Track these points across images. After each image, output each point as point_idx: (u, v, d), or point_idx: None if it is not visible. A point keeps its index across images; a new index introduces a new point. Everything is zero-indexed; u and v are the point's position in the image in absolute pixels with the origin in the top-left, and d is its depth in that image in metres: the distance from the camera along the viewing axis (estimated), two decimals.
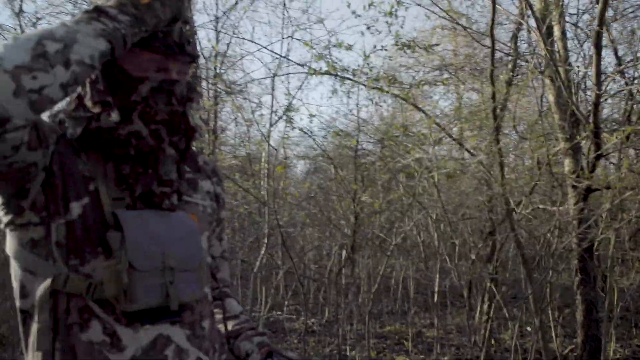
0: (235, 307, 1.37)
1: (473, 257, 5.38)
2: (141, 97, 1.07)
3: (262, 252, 5.40)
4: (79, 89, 1.09)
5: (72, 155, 1.06)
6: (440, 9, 5.32)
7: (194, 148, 1.30)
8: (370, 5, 3.44)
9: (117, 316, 1.02)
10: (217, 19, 7.34)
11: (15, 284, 1.07)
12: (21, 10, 9.03)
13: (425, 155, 3.65)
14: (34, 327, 1.03)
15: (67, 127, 1.08)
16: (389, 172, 4.47)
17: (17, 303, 1.08)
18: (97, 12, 0.98)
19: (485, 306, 5.48)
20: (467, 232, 5.48)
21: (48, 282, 1.01)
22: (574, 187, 4.38)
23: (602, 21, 3.21)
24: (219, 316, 1.31)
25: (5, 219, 1.06)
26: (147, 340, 1.04)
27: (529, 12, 4.08)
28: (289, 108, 4.23)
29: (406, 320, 6.83)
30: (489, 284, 5.42)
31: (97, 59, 0.95)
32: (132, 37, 1.01)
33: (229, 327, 1.31)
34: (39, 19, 8.47)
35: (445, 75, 7.79)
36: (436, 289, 5.06)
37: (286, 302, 7.21)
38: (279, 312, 7.58)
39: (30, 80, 0.85)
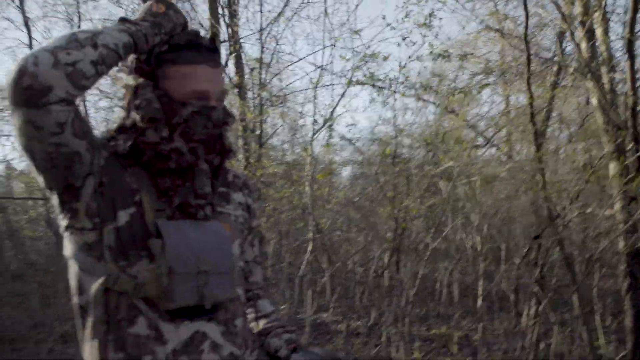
0: (267, 307, 1.49)
1: (518, 261, 5.34)
2: (183, 119, 1.22)
3: (307, 256, 5.55)
4: (122, 113, 1.27)
5: (120, 169, 1.22)
6: (475, 16, 5.29)
7: (226, 165, 1.44)
8: (405, 17, 3.55)
9: (161, 313, 1.16)
10: (261, 30, 7.55)
11: (73, 283, 1.24)
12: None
13: (457, 162, 3.68)
14: (90, 321, 1.19)
15: (118, 141, 1.24)
16: (427, 177, 4.51)
17: (75, 299, 1.24)
18: (121, 20, 1.19)
19: (533, 311, 5.42)
20: (512, 236, 5.44)
21: (101, 280, 1.18)
22: (620, 190, 4.29)
23: (632, 28, 3.17)
24: (251, 316, 1.45)
25: (64, 222, 1.23)
26: (186, 335, 1.18)
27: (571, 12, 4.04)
28: (330, 117, 4.35)
29: (453, 324, 6.82)
30: (535, 289, 5.36)
31: (120, 47, 1.14)
32: (152, 37, 1.20)
33: (261, 326, 1.44)
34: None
35: (492, 79, 7.71)
36: (479, 292, 5.05)
37: (332, 305, 7.32)
38: (325, 314, 7.70)
39: (65, 56, 1.05)
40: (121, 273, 1.17)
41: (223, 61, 5.75)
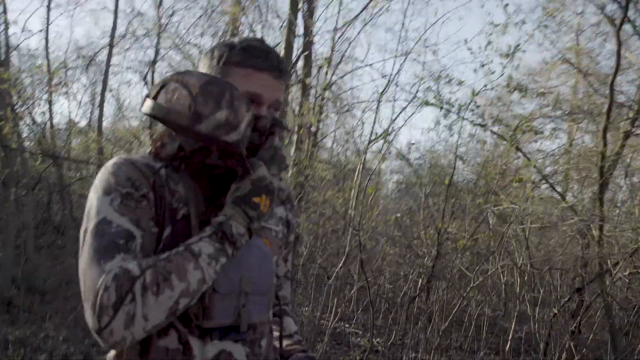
0: (292, 327, 1.48)
1: (556, 310, 5.13)
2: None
3: (340, 265, 5.50)
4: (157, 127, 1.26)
5: (166, 187, 1.18)
6: (553, 47, 5.09)
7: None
8: (487, 45, 3.43)
9: (192, 328, 1.14)
10: (335, 30, 7.54)
11: None
12: (161, 2, 9.88)
13: (518, 205, 3.54)
14: None
15: (166, 147, 1.22)
16: (479, 211, 4.38)
17: None
18: (223, 240, 1.11)
19: None
20: (554, 282, 5.23)
21: None
22: None
23: None
24: (275, 333, 1.42)
25: None
26: (212, 354, 1.15)
27: None
28: (387, 130, 4.28)
29: (474, 359, 6.63)
30: (569, 342, 5.14)
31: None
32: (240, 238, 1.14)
33: (283, 346, 1.42)
34: (174, 11, 9.21)
35: (559, 112, 7.45)
36: (510, 335, 4.87)
37: (355, 316, 7.25)
38: (347, 325, 7.64)
39: (145, 321, 1.00)
40: None
41: (294, 57, 5.75)
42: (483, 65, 3.55)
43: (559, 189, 5.39)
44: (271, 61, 1.24)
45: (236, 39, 1.28)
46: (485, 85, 3.50)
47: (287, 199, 1.46)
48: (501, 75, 3.42)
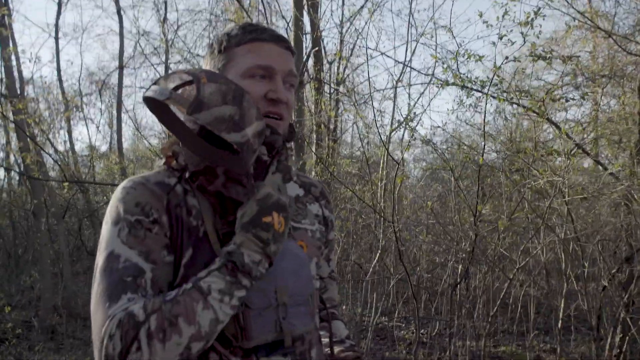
0: (342, 331, 1.38)
1: (605, 283, 4.92)
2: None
3: (375, 260, 5.39)
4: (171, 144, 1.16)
5: (184, 205, 1.09)
6: (577, 10, 4.88)
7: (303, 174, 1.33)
8: (504, 15, 3.27)
9: (234, 349, 1.05)
10: (341, 23, 7.43)
11: None
12: (165, 19, 9.91)
13: (558, 177, 3.37)
14: None
15: (177, 154, 1.13)
16: (516, 189, 4.21)
17: None
18: (235, 271, 1.01)
19: (618, 338, 4.99)
20: (599, 254, 5.02)
21: None
22: None
23: None
24: (325, 340, 1.32)
25: None
26: None
27: None
28: (409, 117, 4.16)
29: (523, 342, 6.44)
30: (622, 314, 4.93)
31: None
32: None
33: (335, 352, 1.32)
34: (179, 26, 9.23)
35: (580, 79, 7.19)
36: (561, 314, 4.69)
37: (397, 310, 7.12)
38: (387, 319, 7.52)
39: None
40: None
41: (304, 56, 5.66)
42: (501, 38, 3.40)
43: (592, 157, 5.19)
44: (272, 32, 1.17)
45: (232, 25, 1.22)
46: (506, 58, 3.35)
47: (320, 195, 1.36)
48: (522, 45, 3.26)
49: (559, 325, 4.99)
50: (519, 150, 4.10)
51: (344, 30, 7.54)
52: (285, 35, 1.28)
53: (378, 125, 4.22)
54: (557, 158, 3.98)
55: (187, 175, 1.12)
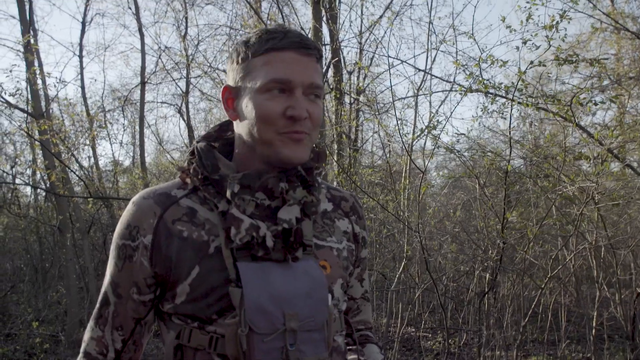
0: (376, 356, 1.27)
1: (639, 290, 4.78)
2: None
3: (400, 269, 5.32)
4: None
5: (186, 221, 1.06)
6: (603, 12, 4.79)
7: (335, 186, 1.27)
8: (528, 19, 3.20)
9: None
10: (360, 34, 7.42)
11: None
12: (186, 34, 10.04)
13: (590, 183, 3.27)
14: None
15: (193, 171, 1.10)
16: (545, 196, 4.11)
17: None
18: None
19: None
20: (633, 260, 4.88)
21: (172, 335, 1.06)
22: None
23: None
24: None
25: None
26: None
27: None
28: (431, 125, 4.10)
29: (555, 352, 6.27)
30: None
31: None
32: None
33: None
34: (200, 41, 9.33)
35: (605, 82, 7.04)
36: (594, 322, 4.55)
37: (423, 320, 7.02)
38: (414, 330, 7.41)
39: None
40: (195, 328, 1.03)
41: (323, 66, 5.66)
42: (525, 42, 3.33)
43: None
44: (292, 37, 1.04)
45: (252, 31, 1.12)
46: (531, 62, 3.27)
47: (351, 210, 1.25)
48: (547, 49, 3.18)
49: (593, 333, 4.85)
50: (546, 156, 4.00)
51: (363, 40, 7.53)
52: None
53: (400, 134, 4.16)
54: (587, 163, 3.88)
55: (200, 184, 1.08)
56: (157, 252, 1.05)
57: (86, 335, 1.14)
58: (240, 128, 1.09)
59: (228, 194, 1.03)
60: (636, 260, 4.56)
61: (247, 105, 1.06)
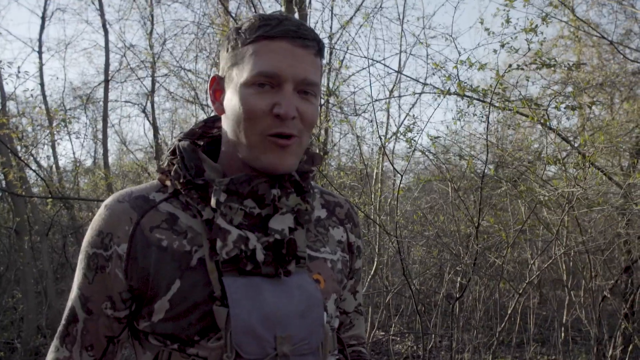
0: None
1: (606, 293, 4.86)
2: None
3: (372, 273, 5.28)
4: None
5: (166, 229, 0.95)
6: (579, 18, 4.87)
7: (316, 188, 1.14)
8: (507, 22, 3.19)
9: None
10: (331, 36, 7.37)
11: (133, 350, 1.04)
12: (152, 32, 9.78)
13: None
14: None
15: (172, 173, 0.98)
16: (521, 200, 4.13)
17: None
18: None
19: (619, 350, 4.91)
20: (600, 264, 4.97)
21: (149, 357, 0.95)
22: None
23: None
24: None
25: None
26: None
27: None
28: (408, 128, 4.07)
29: (521, 354, 6.35)
30: (623, 325, 4.87)
31: None
32: None
33: None
34: (166, 39, 9.11)
35: (569, 89, 7.21)
36: (563, 325, 4.60)
37: (392, 323, 7.01)
38: (382, 333, 7.39)
39: None
40: (175, 351, 0.91)
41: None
42: (503, 45, 3.33)
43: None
44: (288, 25, 0.92)
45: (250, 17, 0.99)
46: (510, 66, 3.27)
47: (346, 217, 1.14)
48: (527, 52, 3.19)
49: (562, 336, 4.91)
50: (523, 160, 4.02)
51: (334, 41, 7.48)
52: None
53: (379, 136, 4.11)
54: (559, 168, 3.92)
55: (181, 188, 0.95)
56: (133, 264, 0.92)
57: (50, 357, 1.00)
58: (226, 124, 0.97)
59: (213, 202, 0.91)
60: (606, 264, 4.64)
61: (231, 100, 0.94)
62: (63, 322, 1.00)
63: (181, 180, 0.95)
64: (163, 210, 0.96)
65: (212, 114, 1.11)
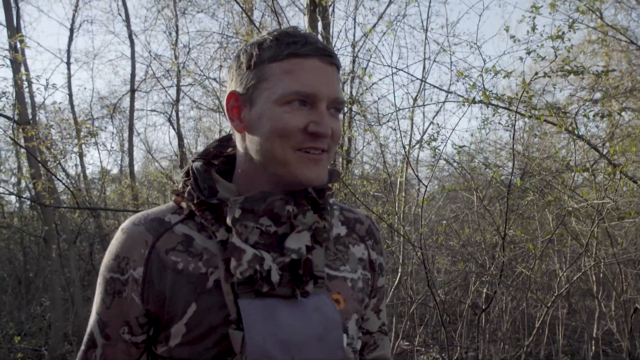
0: None
1: (639, 305, 4.71)
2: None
3: (396, 283, 5.22)
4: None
5: (182, 251, 0.94)
6: (607, 24, 4.77)
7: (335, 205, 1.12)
8: (533, 29, 3.13)
9: None
10: (354, 44, 7.36)
11: None
12: (177, 41, 9.92)
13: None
14: None
15: (187, 193, 0.97)
16: (549, 210, 4.04)
17: None
18: None
19: None
20: (627, 274, 4.82)
21: None
22: None
23: None
24: None
25: None
26: None
27: None
28: (432, 136, 4.02)
29: None
30: None
31: None
32: None
33: None
34: (191, 49, 9.23)
35: (597, 95, 7.05)
36: (594, 337, 4.47)
37: (417, 334, 6.91)
38: (407, 343, 7.30)
39: None
40: None
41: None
42: (529, 53, 3.27)
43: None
44: (315, 43, 0.93)
45: (263, 33, 0.98)
46: (536, 73, 3.21)
47: (367, 234, 1.12)
48: (554, 60, 3.12)
49: (592, 348, 4.77)
50: (552, 170, 3.92)
51: (356, 49, 7.47)
52: None
53: (402, 145, 4.07)
54: (588, 177, 3.82)
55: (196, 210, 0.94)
56: (149, 287, 0.92)
57: None
58: (249, 142, 0.95)
59: (228, 220, 0.90)
60: (625, 276, 4.50)
61: (260, 117, 0.93)
62: (83, 347, 1.00)
63: (195, 201, 0.94)
64: (178, 232, 0.95)
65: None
